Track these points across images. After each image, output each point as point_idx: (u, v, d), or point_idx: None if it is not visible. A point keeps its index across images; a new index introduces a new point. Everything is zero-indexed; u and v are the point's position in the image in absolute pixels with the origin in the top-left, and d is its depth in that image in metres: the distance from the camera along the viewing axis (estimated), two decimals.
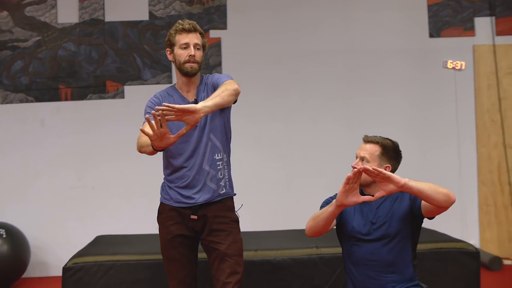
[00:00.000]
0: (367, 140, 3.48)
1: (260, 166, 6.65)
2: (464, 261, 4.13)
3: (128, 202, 6.52)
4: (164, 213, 3.57)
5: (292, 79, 6.71)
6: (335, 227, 3.54)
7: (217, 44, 6.62)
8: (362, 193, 3.47)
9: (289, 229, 5.28)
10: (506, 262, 6.30)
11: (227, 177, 3.53)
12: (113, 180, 6.54)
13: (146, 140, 3.24)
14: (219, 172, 3.49)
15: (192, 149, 3.45)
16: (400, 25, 6.74)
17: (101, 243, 4.58)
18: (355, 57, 6.73)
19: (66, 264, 4.02)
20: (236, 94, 3.35)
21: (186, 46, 3.48)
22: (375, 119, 6.66)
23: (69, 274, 3.97)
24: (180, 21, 3.56)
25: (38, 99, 6.50)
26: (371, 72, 6.74)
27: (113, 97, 6.55)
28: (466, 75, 6.69)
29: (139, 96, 6.52)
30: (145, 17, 6.59)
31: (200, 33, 3.53)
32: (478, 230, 6.69)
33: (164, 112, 2.98)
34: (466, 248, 4.19)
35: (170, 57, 3.56)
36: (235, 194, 3.61)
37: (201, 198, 3.45)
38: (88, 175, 6.54)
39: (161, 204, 3.61)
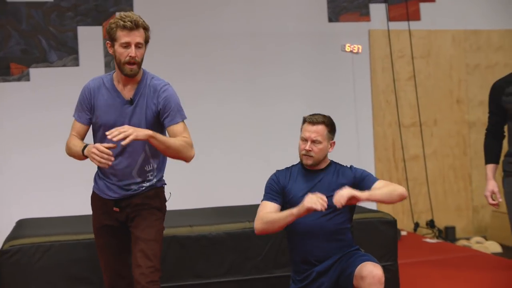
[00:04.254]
0: (314, 121, 3.66)
1: None
2: (383, 229, 4.49)
3: (38, 187, 6.41)
4: (94, 201, 3.62)
5: (199, 62, 6.85)
6: None
7: None
8: (304, 168, 3.72)
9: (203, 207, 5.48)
10: (402, 233, 6.78)
11: (153, 180, 3.51)
12: (21, 165, 6.41)
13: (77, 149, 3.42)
14: (147, 181, 3.48)
15: (125, 165, 3.43)
16: (301, 10, 7.05)
17: (28, 226, 4.54)
18: (258, 39, 6.97)
19: (2, 247, 3.99)
20: (188, 150, 3.37)
21: (127, 45, 3.30)
22: (278, 98, 6.97)
23: (6, 257, 3.93)
24: (122, 14, 3.35)
25: None
26: (274, 54, 7.01)
27: (18, 79, 6.41)
28: (362, 58, 7.09)
29: (45, 79, 6.45)
30: None
31: (144, 28, 3.37)
32: (375, 204, 7.14)
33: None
34: (385, 217, 4.55)
35: (110, 50, 3.38)
36: (161, 185, 3.57)
37: (121, 195, 3.47)
38: None
39: (93, 191, 3.64)
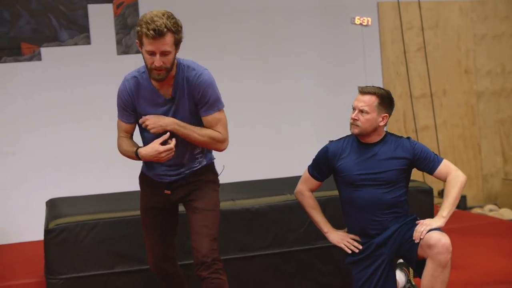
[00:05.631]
0: (364, 91, 3.62)
1: None
2: (420, 198, 4.52)
3: (50, 166, 6.35)
4: (144, 183, 3.57)
5: (209, 37, 6.80)
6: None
7: (134, 4, 6.55)
8: (358, 141, 3.70)
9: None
10: None
11: (203, 162, 3.48)
12: (33, 145, 6.34)
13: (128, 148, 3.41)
14: (196, 162, 3.45)
15: (177, 154, 3.35)
16: None
17: (63, 205, 4.47)
18: (268, 14, 6.95)
19: (47, 226, 3.95)
20: (215, 144, 3.39)
21: (151, 53, 3.16)
22: (289, 73, 6.97)
23: (52, 236, 3.90)
24: (148, 18, 3.12)
25: None
26: (284, 29, 7.00)
27: (30, 59, 6.31)
28: (372, 31, 7.11)
29: (57, 58, 6.36)
30: None
31: (173, 32, 3.17)
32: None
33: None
34: (422, 186, 4.59)
35: (140, 49, 3.26)
36: (211, 161, 3.54)
37: (173, 178, 3.44)
38: (7, 141, 6.28)
39: (141, 172, 3.58)
